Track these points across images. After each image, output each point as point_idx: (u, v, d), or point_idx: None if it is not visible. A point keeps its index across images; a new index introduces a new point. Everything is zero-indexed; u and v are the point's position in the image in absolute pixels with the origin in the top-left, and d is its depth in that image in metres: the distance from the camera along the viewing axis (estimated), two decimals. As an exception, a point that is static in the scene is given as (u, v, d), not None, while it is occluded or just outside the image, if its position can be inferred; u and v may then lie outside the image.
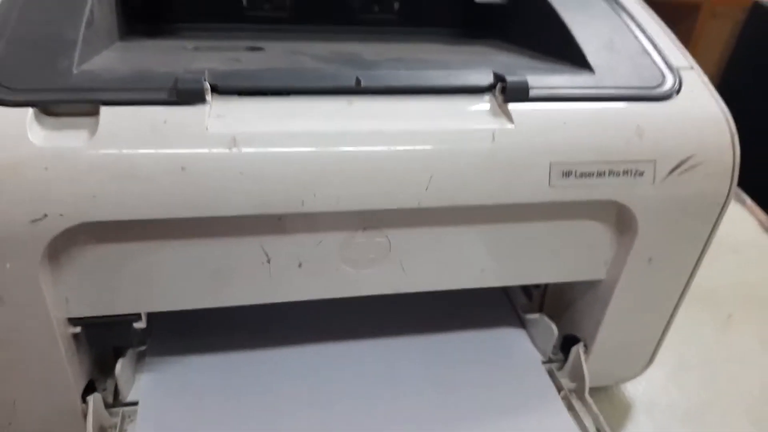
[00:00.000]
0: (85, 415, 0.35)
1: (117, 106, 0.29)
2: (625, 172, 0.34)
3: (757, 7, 1.47)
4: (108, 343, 0.36)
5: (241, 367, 0.40)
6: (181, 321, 0.41)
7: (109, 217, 0.28)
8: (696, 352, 0.49)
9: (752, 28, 1.48)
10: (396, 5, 0.47)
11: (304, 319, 0.44)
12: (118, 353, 0.38)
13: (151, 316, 0.35)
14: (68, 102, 0.29)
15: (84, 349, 0.35)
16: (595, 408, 0.39)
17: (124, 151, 0.28)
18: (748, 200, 0.67)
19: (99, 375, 0.38)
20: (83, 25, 0.33)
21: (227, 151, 0.29)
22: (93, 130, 0.28)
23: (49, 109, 0.29)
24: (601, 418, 0.39)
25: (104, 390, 0.38)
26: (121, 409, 0.37)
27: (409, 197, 0.31)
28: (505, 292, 0.48)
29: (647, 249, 0.36)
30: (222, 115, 0.30)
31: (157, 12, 0.43)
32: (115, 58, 0.34)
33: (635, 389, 0.45)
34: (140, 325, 0.34)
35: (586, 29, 0.39)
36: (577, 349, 0.41)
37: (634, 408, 0.44)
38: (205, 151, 0.29)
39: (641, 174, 0.34)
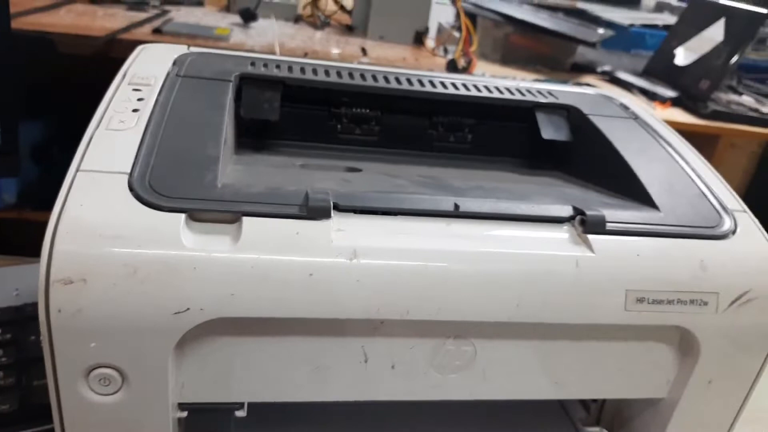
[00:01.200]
0: (177, 499, 0.37)
1: (256, 218, 0.33)
2: (692, 302, 0.37)
3: (774, 143, 1.56)
4: (208, 429, 0.39)
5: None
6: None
7: (243, 314, 0.32)
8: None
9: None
10: (469, 137, 0.53)
11: (376, 422, 0.46)
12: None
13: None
14: (216, 212, 0.33)
15: (182, 434, 0.38)
16: None
17: (262, 256, 0.32)
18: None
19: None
20: (222, 143, 0.38)
21: (348, 261, 0.33)
22: (236, 237, 0.33)
23: (197, 216, 0.33)
24: None
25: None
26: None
27: (500, 313, 0.35)
28: (562, 406, 0.50)
29: (708, 372, 0.39)
30: (342, 230, 0.34)
31: (262, 130, 0.49)
32: (243, 173, 0.39)
33: None
34: (241, 413, 0.36)
35: (648, 170, 0.44)
36: (638, 469, 0.42)
37: None
38: (330, 260, 0.33)
39: (705, 304, 0.37)
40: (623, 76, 1.63)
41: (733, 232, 0.40)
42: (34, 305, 0.48)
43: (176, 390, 0.34)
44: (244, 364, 0.35)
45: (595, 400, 0.47)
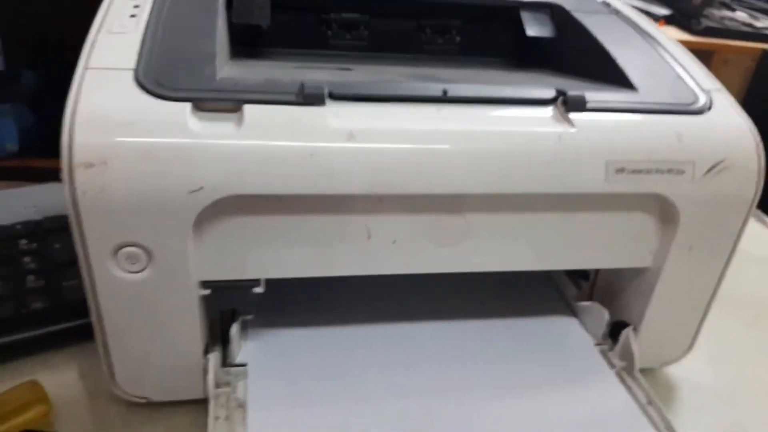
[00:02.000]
0: (205, 371, 0.41)
1: (257, 104, 0.36)
2: (669, 170, 0.40)
3: (766, 55, 1.56)
4: (229, 306, 0.42)
5: (328, 339, 0.46)
6: (276, 302, 0.47)
7: (252, 191, 0.35)
8: (729, 343, 0.54)
9: (762, 74, 1.56)
10: (457, 38, 0.54)
11: (377, 302, 0.50)
12: (225, 323, 0.44)
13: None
14: (219, 100, 0.35)
15: (206, 313, 0.41)
16: (644, 381, 0.44)
17: (266, 139, 0.35)
18: (768, 220, 0.73)
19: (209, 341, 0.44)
20: (216, 43, 0.40)
21: (345, 142, 0.35)
22: (239, 123, 0.35)
23: (201, 105, 0.35)
24: (651, 391, 0.44)
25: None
26: (231, 369, 0.43)
27: (489, 185, 0.38)
28: (555, 285, 0.54)
29: (688, 239, 0.42)
30: (338, 116, 0.36)
31: (255, 38, 0.50)
32: (240, 70, 0.42)
33: (677, 372, 0.50)
34: (259, 290, 0.40)
35: (629, 57, 0.46)
36: (627, 332, 0.46)
37: (676, 387, 0.49)
38: (329, 141, 0.35)
39: (682, 172, 0.40)
40: (615, -4, 1.61)
41: (709, 108, 0.42)
42: (53, 218, 0.52)
43: (198, 268, 0.37)
44: (258, 242, 0.38)
45: (586, 278, 0.51)
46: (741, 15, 1.74)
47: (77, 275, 0.47)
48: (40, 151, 1.37)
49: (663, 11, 1.57)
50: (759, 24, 1.68)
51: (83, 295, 0.46)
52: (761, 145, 0.42)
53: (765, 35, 1.63)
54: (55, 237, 0.50)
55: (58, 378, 0.45)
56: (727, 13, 1.72)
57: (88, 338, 0.47)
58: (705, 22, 1.57)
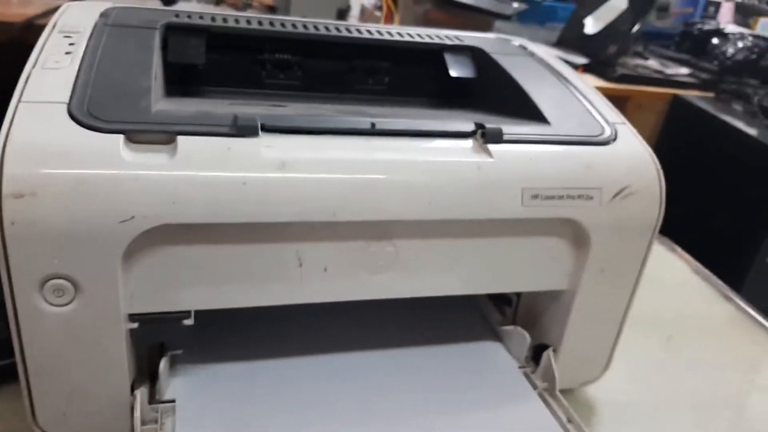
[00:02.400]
0: (132, 408, 0.40)
1: (190, 136, 0.37)
2: (579, 196, 0.43)
3: (676, 100, 1.69)
4: (158, 339, 0.42)
5: (258, 372, 0.46)
6: (206, 334, 0.47)
7: (184, 220, 0.35)
8: (644, 362, 0.58)
9: (673, 117, 1.69)
10: (386, 79, 0.57)
11: (308, 333, 0.50)
12: (153, 358, 0.43)
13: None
14: (152, 132, 0.36)
15: (133, 347, 0.41)
16: (565, 402, 0.46)
17: (199, 169, 0.36)
18: (678, 249, 0.78)
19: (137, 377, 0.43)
20: (152, 78, 0.41)
21: (278, 171, 0.37)
22: (172, 154, 0.36)
23: (135, 137, 0.36)
24: (571, 410, 0.46)
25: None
26: (159, 406, 0.42)
27: (415, 212, 0.40)
28: (479, 311, 0.56)
29: (599, 261, 0.45)
30: (270, 146, 0.38)
31: (190, 77, 0.52)
32: (174, 105, 0.43)
33: (596, 391, 0.52)
34: (189, 322, 0.40)
35: (542, 94, 0.50)
36: (548, 353, 0.48)
37: (596, 406, 0.51)
38: (261, 170, 0.37)
39: (591, 198, 0.43)
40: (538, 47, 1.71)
41: (614, 139, 0.46)
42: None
43: (126, 301, 0.37)
44: (188, 272, 0.38)
45: (509, 303, 0.53)
46: (652, 63, 1.88)
47: (1, 314, 0.46)
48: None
49: (581, 60, 1.68)
50: (669, 71, 1.82)
51: (6, 335, 0.45)
52: (662, 172, 0.46)
53: (675, 81, 1.77)
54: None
55: (-22, 421, 0.43)
56: (640, 62, 1.86)
57: (9, 380, 0.45)
58: (620, 70, 1.68)
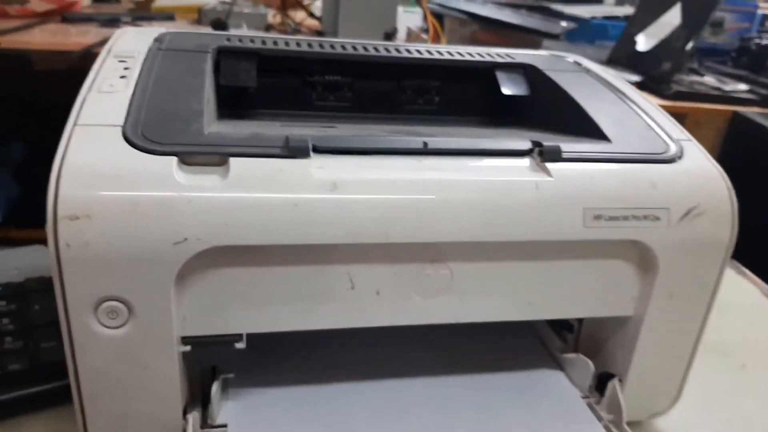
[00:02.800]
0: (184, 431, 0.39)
1: (242, 158, 0.36)
2: (645, 217, 0.41)
3: (736, 117, 1.62)
4: (210, 363, 0.41)
5: (310, 398, 0.45)
6: (259, 358, 0.46)
7: (236, 242, 0.35)
8: (716, 393, 0.54)
9: (733, 135, 1.62)
10: (436, 98, 0.56)
11: (361, 358, 0.49)
12: (205, 382, 0.43)
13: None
14: (205, 154, 0.36)
15: (185, 371, 0.40)
16: (632, 433, 0.44)
17: (251, 190, 0.35)
18: (747, 271, 0.74)
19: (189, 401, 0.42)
20: (204, 101, 0.41)
21: (329, 192, 0.36)
22: (224, 176, 0.36)
23: (188, 159, 0.36)
24: (639, 443, 0.43)
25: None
26: (211, 430, 0.41)
27: (471, 233, 0.38)
28: (539, 339, 0.54)
29: (668, 285, 0.43)
30: (322, 167, 0.37)
31: (242, 100, 0.52)
32: (226, 127, 0.43)
33: (666, 423, 0.49)
34: (241, 345, 0.39)
35: (601, 111, 0.48)
36: (614, 383, 0.46)
37: (665, 440, 0.48)
38: (313, 192, 0.36)
39: (657, 218, 0.41)
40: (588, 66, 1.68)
41: (680, 156, 0.44)
42: (35, 280, 0.51)
43: (179, 323, 0.37)
44: (241, 296, 0.38)
45: (570, 330, 0.50)
46: (709, 80, 1.82)
47: (55, 336, 0.46)
48: (25, 223, 1.37)
49: (634, 77, 1.64)
50: (727, 88, 1.75)
51: (60, 357, 0.46)
52: (732, 190, 0.43)
53: (733, 98, 1.70)
54: (35, 298, 0.50)
55: (33, 443, 0.43)
56: (696, 78, 1.80)
57: (64, 402, 0.46)
58: (675, 87, 1.63)
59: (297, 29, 1.60)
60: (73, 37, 1.29)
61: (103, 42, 1.34)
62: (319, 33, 1.60)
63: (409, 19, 1.82)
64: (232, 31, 1.45)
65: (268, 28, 1.59)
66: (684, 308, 0.44)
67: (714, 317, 0.45)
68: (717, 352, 0.59)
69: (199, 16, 1.55)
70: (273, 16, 1.64)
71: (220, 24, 1.43)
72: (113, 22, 1.40)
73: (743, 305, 0.68)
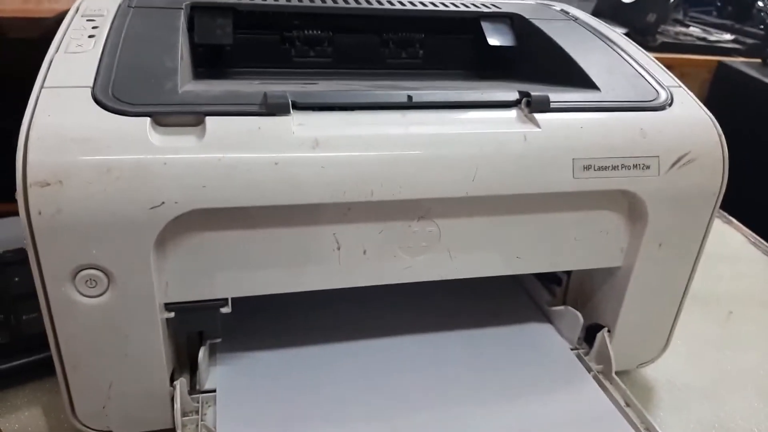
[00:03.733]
0: (172, 398, 0.39)
1: (219, 117, 0.35)
2: (635, 166, 0.40)
3: (721, 67, 1.61)
4: (195, 329, 0.40)
5: (299, 360, 0.45)
6: (245, 322, 0.46)
7: (215, 205, 0.34)
8: (704, 340, 0.54)
9: (718, 86, 1.61)
10: (420, 51, 0.55)
11: (348, 318, 0.49)
12: (192, 348, 0.42)
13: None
14: (180, 114, 0.35)
15: (171, 337, 0.40)
16: (622, 384, 0.44)
17: (229, 150, 0.34)
18: (734, 220, 0.74)
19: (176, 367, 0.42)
20: (179, 59, 0.39)
21: (311, 150, 0.35)
22: (201, 136, 0.34)
23: (162, 120, 0.35)
24: (629, 392, 0.43)
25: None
26: (200, 396, 0.41)
27: (458, 188, 0.37)
28: (527, 292, 0.53)
29: (657, 235, 0.42)
30: (303, 124, 0.36)
31: (218, 58, 0.50)
32: (203, 86, 0.41)
33: (654, 372, 0.49)
34: (226, 310, 0.38)
35: (589, 59, 0.47)
36: (602, 334, 0.46)
37: (654, 388, 0.48)
38: (294, 150, 0.35)
39: (648, 167, 0.40)
40: (573, 16, 1.65)
41: (670, 104, 0.43)
42: (13, 251, 0.50)
43: (161, 290, 0.36)
44: (224, 259, 0.37)
45: (558, 283, 0.50)
46: (695, 30, 1.80)
47: (37, 308, 0.45)
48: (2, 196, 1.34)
49: (619, 29, 1.61)
50: (712, 38, 1.73)
51: (43, 329, 0.45)
52: (723, 137, 0.42)
53: (719, 48, 1.69)
54: (14, 270, 0.48)
55: (18, 417, 0.42)
56: (681, 29, 1.78)
57: (49, 373, 0.45)
58: (660, 39, 1.61)
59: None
60: (45, 3, 1.24)
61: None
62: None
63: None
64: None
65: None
66: (673, 258, 0.44)
67: (701, 266, 0.45)
68: (704, 301, 0.59)
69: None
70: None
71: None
72: (83, -17, 1.35)
73: (729, 253, 0.68)
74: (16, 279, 0.48)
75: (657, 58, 1.69)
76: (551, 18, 0.53)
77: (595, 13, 1.79)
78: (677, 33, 1.74)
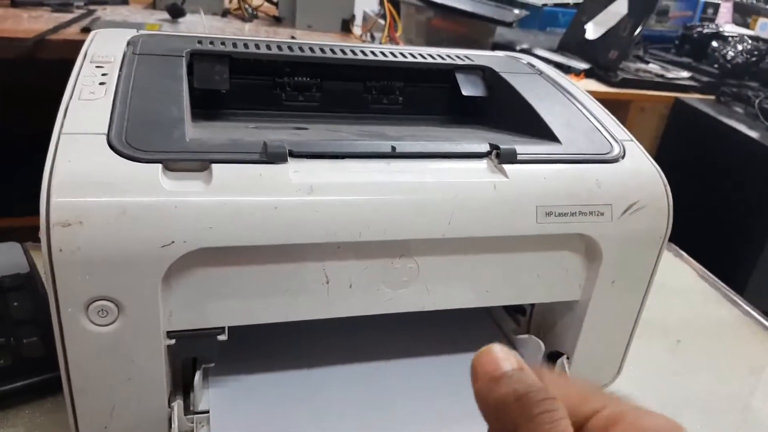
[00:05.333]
0: (170, 420, 0.42)
1: (224, 164, 0.39)
2: (591, 213, 0.45)
3: (678, 103, 1.71)
4: (192, 354, 0.44)
5: (287, 382, 0.48)
6: (237, 348, 0.49)
7: (220, 244, 0.37)
8: (653, 366, 0.60)
9: (674, 120, 1.71)
10: (400, 98, 0.60)
11: (334, 345, 0.53)
12: (186, 372, 0.45)
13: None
14: (189, 161, 0.39)
15: (170, 362, 0.43)
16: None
17: (233, 194, 0.38)
18: (684, 254, 0.80)
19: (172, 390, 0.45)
20: (184, 107, 0.43)
21: (306, 195, 0.39)
22: (208, 181, 0.38)
23: (172, 165, 0.38)
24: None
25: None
26: (194, 416, 0.44)
27: (435, 230, 0.42)
28: (495, 321, 0.58)
29: (611, 272, 0.47)
30: (299, 171, 0.40)
31: (213, 101, 0.54)
32: (205, 132, 0.45)
33: (608, 396, 0.54)
34: (223, 337, 0.42)
35: (552, 113, 0.52)
36: (562, 360, 0.50)
37: (608, 411, 0.53)
38: (291, 195, 0.39)
39: (602, 214, 0.45)
40: (540, 52, 1.74)
41: (623, 156, 0.48)
42: (11, 277, 0.53)
43: (165, 319, 0.39)
44: (223, 292, 0.40)
45: (523, 313, 0.55)
46: (654, 67, 1.90)
47: (36, 332, 0.48)
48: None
49: (583, 65, 1.70)
50: (670, 75, 1.84)
51: (42, 352, 0.48)
52: (668, 187, 0.48)
53: (676, 85, 1.79)
54: (13, 295, 0.51)
55: (20, 435, 0.45)
56: (642, 66, 1.88)
57: (47, 395, 0.48)
58: (621, 75, 1.70)
59: (254, 15, 1.60)
60: (25, 23, 1.26)
61: (57, 28, 1.30)
62: (277, 18, 1.60)
63: (365, 3, 1.84)
64: (189, 18, 1.44)
65: (225, 13, 1.58)
66: (625, 292, 0.49)
67: (653, 298, 0.50)
68: (655, 330, 0.64)
69: (154, 0, 1.53)
70: (230, 1, 1.63)
71: (176, 9, 1.42)
72: (65, 6, 1.37)
73: (680, 286, 0.74)
74: (15, 304, 0.50)
75: (618, 94, 1.78)
76: (518, 71, 0.59)
77: (561, 48, 1.88)
78: (637, 69, 1.84)
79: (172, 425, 0.42)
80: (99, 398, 0.40)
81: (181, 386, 0.46)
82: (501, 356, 0.25)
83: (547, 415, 0.22)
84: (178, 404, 0.43)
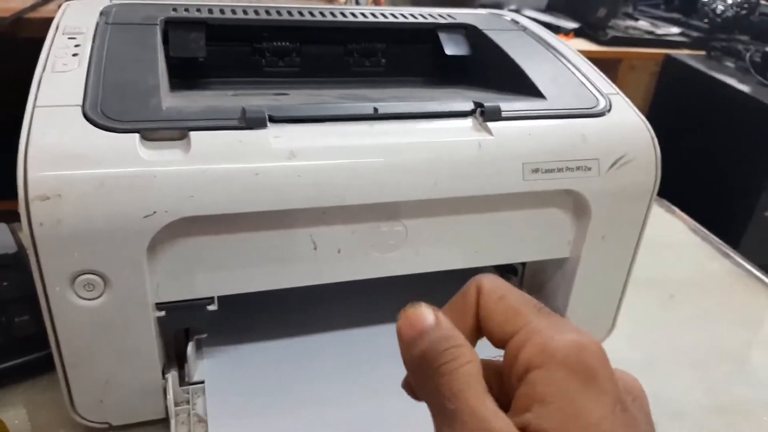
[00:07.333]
0: (165, 391, 0.42)
1: (202, 131, 0.38)
2: (578, 168, 0.45)
3: (668, 60, 1.69)
4: (184, 325, 0.44)
5: (280, 350, 0.48)
6: (228, 318, 0.49)
7: (202, 212, 0.37)
8: (646, 322, 0.60)
9: (665, 77, 1.69)
10: (382, 60, 0.58)
11: (324, 311, 0.53)
12: (179, 343, 0.45)
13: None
14: (166, 129, 0.38)
15: (161, 334, 0.43)
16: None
17: (213, 162, 0.37)
18: (676, 210, 0.80)
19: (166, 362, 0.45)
20: (159, 75, 0.42)
21: (288, 160, 0.39)
22: (186, 149, 0.37)
23: (150, 135, 0.38)
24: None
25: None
26: (189, 387, 0.44)
27: (421, 191, 0.41)
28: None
29: (600, 228, 0.47)
30: (279, 136, 0.40)
31: (191, 70, 0.53)
32: (182, 100, 0.44)
33: (601, 351, 0.55)
34: (213, 307, 0.42)
35: (537, 69, 0.51)
36: (554, 317, 0.51)
37: (601, 365, 0.54)
38: (272, 160, 0.38)
39: (589, 169, 0.45)
40: (528, 12, 1.71)
41: (609, 110, 0.48)
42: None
43: (153, 291, 0.39)
44: (210, 261, 0.40)
45: (514, 273, 0.55)
46: (643, 24, 1.87)
47: (28, 310, 0.48)
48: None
49: (572, 24, 1.68)
50: (660, 31, 1.82)
51: (34, 330, 0.47)
52: (656, 139, 0.47)
53: (666, 41, 1.77)
54: (2, 275, 0.51)
55: (16, 412, 0.45)
56: (631, 23, 1.86)
57: (42, 372, 0.48)
58: (610, 33, 1.68)
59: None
60: (2, 2, 1.23)
61: (34, 6, 1.27)
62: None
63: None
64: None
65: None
66: (615, 247, 0.49)
67: (646, 253, 0.50)
68: (648, 286, 0.65)
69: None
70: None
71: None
72: (41, -17, 1.34)
73: (672, 241, 0.75)
74: (5, 283, 0.50)
75: (607, 52, 1.76)
76: (502, 28, 0.58)
77: (549, 7, 1.85)
78: (627, 27, 1.82)
79: (168, 396, 0.42)
80: (92, 373, 0.40)
81: (175, 358, 0.46)
82: (417, 317, 0.25)
83: (446, 365, 0.23)
84: (172, 376, 0.43)
